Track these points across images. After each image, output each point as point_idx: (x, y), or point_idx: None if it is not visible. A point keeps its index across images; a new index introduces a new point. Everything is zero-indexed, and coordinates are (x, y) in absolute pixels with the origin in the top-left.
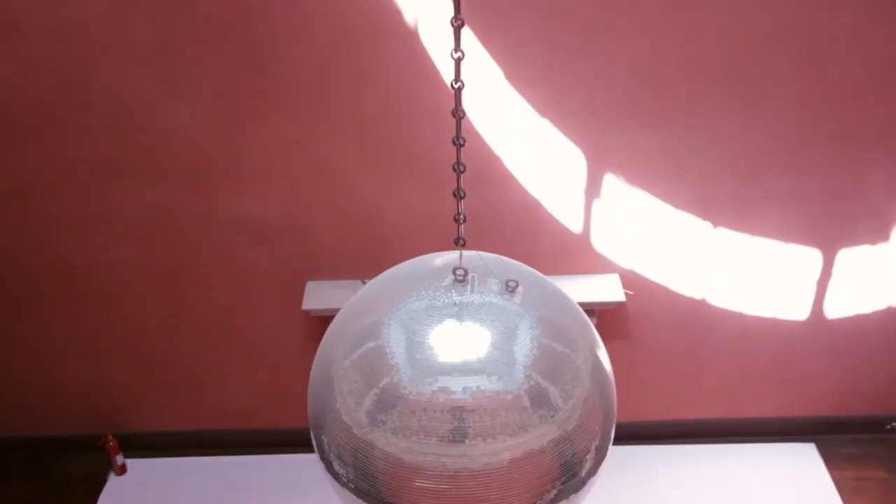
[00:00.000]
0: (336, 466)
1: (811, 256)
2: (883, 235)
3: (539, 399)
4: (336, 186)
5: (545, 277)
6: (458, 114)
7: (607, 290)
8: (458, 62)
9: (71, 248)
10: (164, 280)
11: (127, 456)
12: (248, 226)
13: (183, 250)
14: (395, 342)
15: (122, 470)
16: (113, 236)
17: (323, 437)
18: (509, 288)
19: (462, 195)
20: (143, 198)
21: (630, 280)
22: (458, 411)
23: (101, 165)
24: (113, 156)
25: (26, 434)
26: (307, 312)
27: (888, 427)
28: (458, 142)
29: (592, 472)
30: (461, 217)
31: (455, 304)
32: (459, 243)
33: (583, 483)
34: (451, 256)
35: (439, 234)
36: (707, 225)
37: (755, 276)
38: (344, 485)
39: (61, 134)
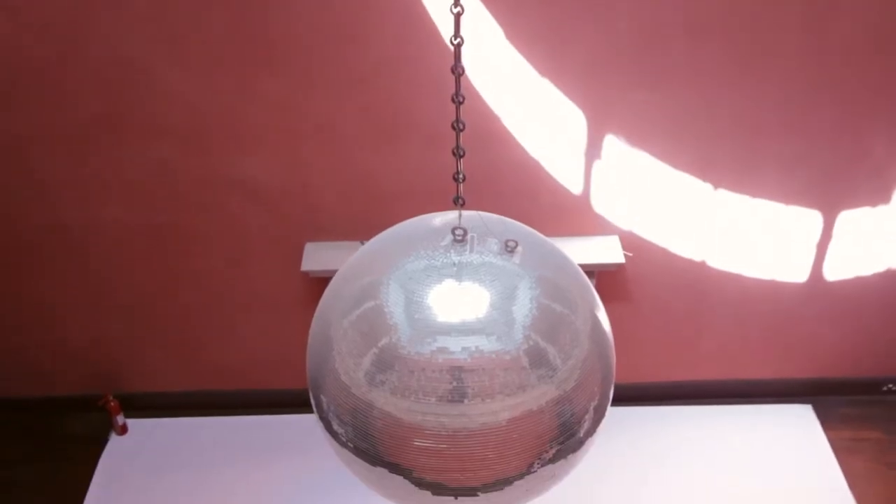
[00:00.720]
0: (335, 426)
1: (812, 218)
2: (884, 197)
3: (538, 359)
4: (334, 146)
5: (545, 238)
6: (457, 70)
7: (606, 251)
8: (457, 17)
9: (68, 208)
10: (163, 241)
11: (127, 416)
12: (246, 186)
13: (181, 211)
14: (393, 302)
15: (123, 430)
16: (110, 196)
17: (322, 396)
18: (509, 248)
19: (461, 154)
20: (141, 158)
21: (629, 242)
22: (457, 371)
23: (97, 125)
24: (109, 115)
25: (27, 394)
26: (306, 273)
27: (885, 388)
28: (458, 99)
29: (591, 432)
30: (460, 176)
31: (454, 264)
32: (458, 203)
33: (581, 443)
34: (450, 216)
35: (439, 194)
36: (708, 186)
37: (755, 238)
38: (343, 444)
39: (57, 93)
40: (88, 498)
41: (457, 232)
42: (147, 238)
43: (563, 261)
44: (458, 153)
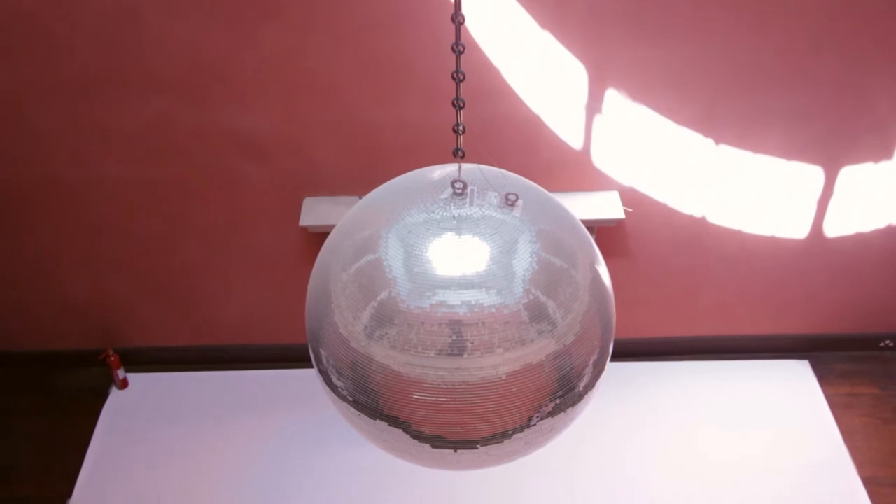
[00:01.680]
0: (334, 379)
1: (813, 174)
2: (886, 153)
3: (538, 313)
4: (332, 100)
5: (545, 191)
6: (457, 19)
7: (606, 207)
8: None
9: (65, 162)
10: (160, 195)
11: (128, 371)
12: (243, 140)
13: (178, 165)
14: (392, 256)
15: (123, 384)
16: (108, 150)
17: (321, 350)
18: (509, 201)
19: (461, 105)
20: (137, 111)
21: (630, 197)
22: (457, 325)
23: (93, 78)
24: (104, 67)
25: (28, 348)
26: (305, 229)
27: (882, 345)
28: (458, 49)
29: (590, 386)
30: (460, 128)
31: (454, 217)
32: (458, 155)
33: (580, 397)
34: (449, 169)
35: (438, 149)
36: (709, 142)
37: (756, 194)
38: (342, 398)
39: (53, 45)
40: (90, 451)
41: (456, 185)
42: (145, 192)
43: (564, 214)
44: (457, 104)
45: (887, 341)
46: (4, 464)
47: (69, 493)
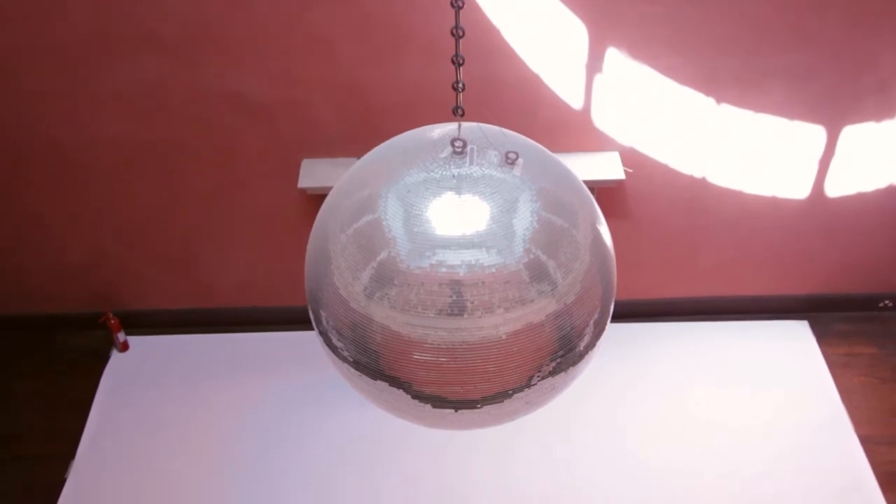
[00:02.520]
0: (334, 340)
1: (815, 134)
2: (889, 112)
3: (538, 273)
4: (329, 59)
5: (546, 150)
6: None
7: (607, 167)
8: None
9: (60, 125)
10: (158, 158)
11: (128, 333)
12: (240, 101)
13: (175, 127)
14: (392, 216)
15: (124, 347)
16: (103, 113)
17: (321, 311)
18: (509, 160)
19: (461, 62)
20: (130, 72)
21: (630, 158)
22: (457, 285)
23: (86, 39)
24: (97, 28)
25: (27, 312)
26: (303, 190)
27: (881, 305)
28: (457, 4)
29: (591, 345)
30: (460, 85)
31: (453, 176)
32: (458, 113)
33: (581, 356)
34: (449, 128)
35: (438, 110)
36: (710, 101)
37: (757, 154)
38: (343, 359)
39: (45, 7)
40: (93, 413)
41: (456, 143)
42: (142, 155)
43: (565, 173)
44: (457, 61)
45: (886, 301)
46: (7, 426)
47: (72, 455)
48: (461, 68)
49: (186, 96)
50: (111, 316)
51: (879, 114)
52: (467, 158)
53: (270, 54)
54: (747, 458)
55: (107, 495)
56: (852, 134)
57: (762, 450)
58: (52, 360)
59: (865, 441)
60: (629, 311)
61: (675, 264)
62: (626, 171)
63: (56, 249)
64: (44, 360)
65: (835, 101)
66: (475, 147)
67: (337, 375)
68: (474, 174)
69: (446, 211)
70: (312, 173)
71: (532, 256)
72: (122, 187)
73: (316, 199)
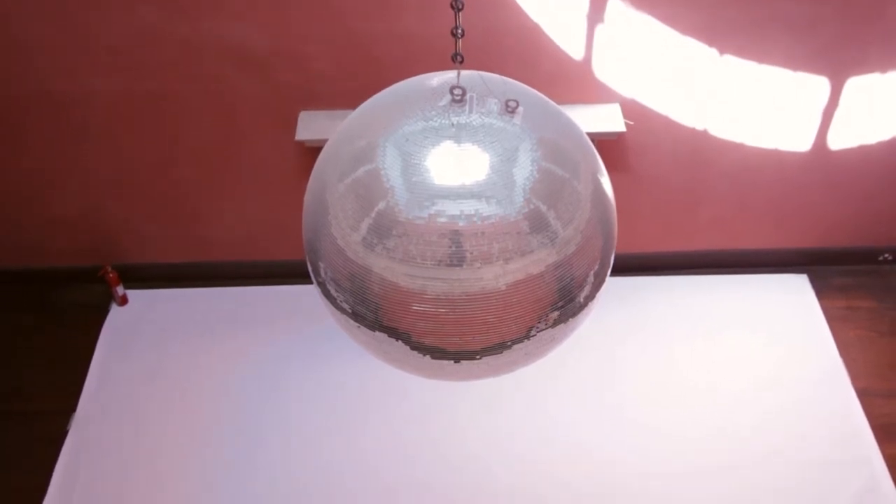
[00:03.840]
0: (333, 292)
1: (818, 85)
2: (894, 63)
3: (538, 223)
4: (327, 9)
5: (547, 99)
6: None
7: (607, 119)
8: None
9: (54, 77)
10: (152, 109)
11: (127, 287)
12: (236, 52)
13: (168, 78)
14: (390, 165)
15: (123, 301)
16: (95, 64)
17: (319, 262)
18: (509, 108)
19: (460, 6)
20: (122, 22)
21: (631, 110)
22: (456, 235)
23: None
24: None
25: (26, 266)
26: (301, 143)
27: (881, 258)
28: None
29: (591, 297)
30: (459, 31)
31: (453, 125)
32: (457, 60)
33: (581, 308)
34: (448, 76)
35: (437, 60)
36: (713, 52)
37: (759, 106)
38: (341, 310)
39: None
40: (93, 366)
41: (455, 91)
42: (137, 107)
43: (566, 122)
44: (456, 6)
45: (886, 255)
46: (8, 380)
47: (73, 408)
48: (460, 14)
49: (179, 47)
50: (110, 270)
51: (884, 65)
52: (467, 107)
53: (267, 5)
54: (744, 411)
55: (108, 447)
56: (857, 86)
57: (759, 403)
58: (51, 315)
59: (862, 394)
60: (628, 265)
61: (674, 218)
62: (626, 124)
63: (53, 203)
64: (43, 314)
65: (840, 53)
66: (474, 95)
67: (336, 328)
68: (474, 123)
69: (445, 160)
70: (310, 126)
71: (532, 207)
72: (118, 140)
73: (314, 151)
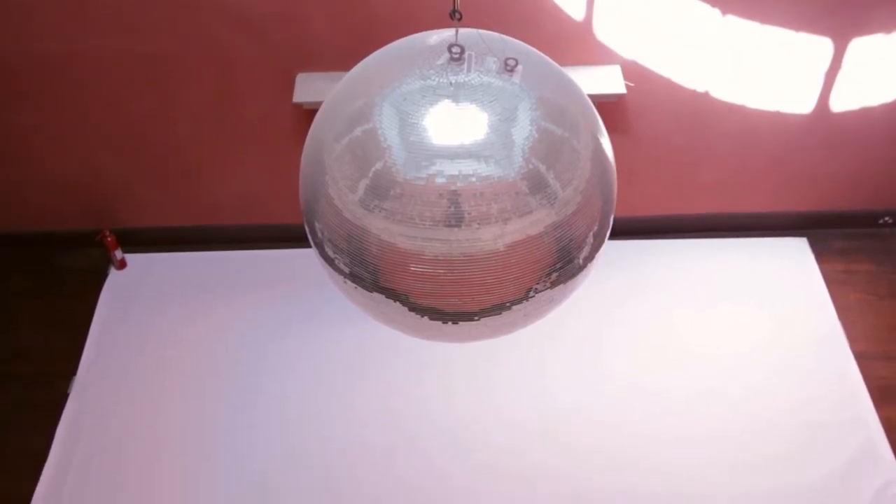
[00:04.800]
0: (330, 253)
1: (822, 46)
2: None
3: (537, 184)
4: None
5: (547, 57)
6: None
7: (607, 81)
8: None
9: (51, 37)
10: (149, 71)
11: (125, 251)
12: (233, 13)
13: (164, 39)
14: (388, 125)
15: (121, 264)
16: (93, 25)
17: (316, 223)
18: (508, 67)
19: None
20: None
21: (631, 71)
22: (454, 196)
23: None
24: None
25: (23, 229)
26: (299, 105)
27: (881, 221)
28: None
29: (590, 258)
30: None
31: (451, 83)
32: (455, 17)
33: (580, 269)
34: (446, 34)
35: (435, 17)
36: (715, 12)
37: (762, 67)
38: (339, 272)
39: None
40: (92, 330)
41: (454, 50)
42: (132, 68)
43: (566, 81)
44: None
45: (887, 218)
46: (8, 344)
47: (74, 371)
48: None
49: (179, 8)
50: (108, 234)
51: (888, 26)
52: (465, 65)
53: None
54: (742, 374)
55: (109, 409)
56: (860, 46)
57: (757, 365)
58: (50, 278)
59: (860, 357)
60: (627, 228)
61: (674, 181)
62: (627, 86)
63: (50, 166)
64: (42, 277)
65: (843, 13)
66: (473, 54)
67: (334, 291)
68: (472, 82)
69: (443, 120)
70: (307, 88)
71: (531, 167)
72: (114, 102)
73: (311, 114)
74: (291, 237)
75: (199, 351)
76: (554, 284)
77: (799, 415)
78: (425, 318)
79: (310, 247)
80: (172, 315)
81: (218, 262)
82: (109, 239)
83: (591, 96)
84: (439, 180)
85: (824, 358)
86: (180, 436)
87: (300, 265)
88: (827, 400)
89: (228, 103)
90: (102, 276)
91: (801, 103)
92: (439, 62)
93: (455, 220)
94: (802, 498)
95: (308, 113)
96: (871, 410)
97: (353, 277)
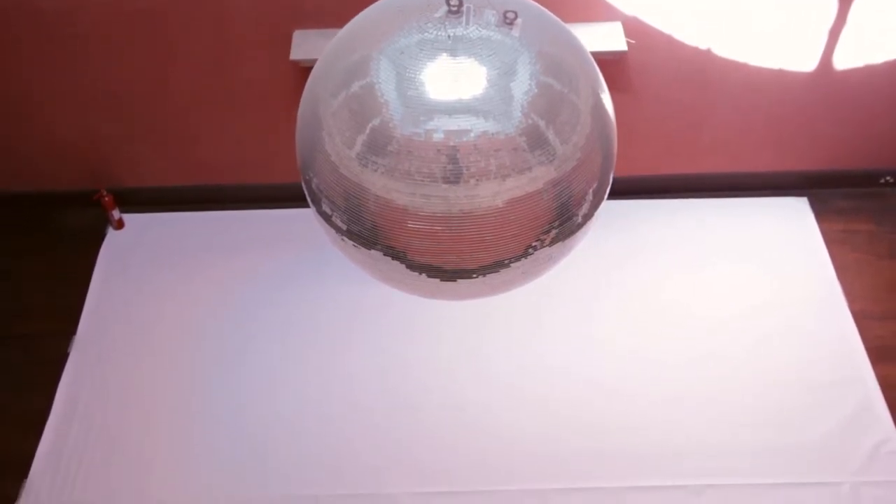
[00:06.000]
0: (328, 210)
1: (826, 2)
2: None
3: (536, 140)
4: None
5: (546, 10)
6: None
7: (608, 39)
8: None
9: None
10: (145, 28)
11: (123, 211)
12: None
13: None
14: (385, 79)
15: (119, 224)
16: None
17: (313, 180)
18: (507, 20)
19: None
20: None
21: (633, 28)
22: (452, 151)
23: None
24: None
25: (20, 189)
26: (296, 63)
27: (882, 181)
28: None
29: (589, 215)
30: None
31: (449, 37)
32: None
33: (579, 226)
34: None
35: None
36: None
37: (765, 24)
38: (337, 229)
39: None
40: (91, 289)
41: (452, 2)
42: (128, 25)
43: (566, 35)
44: None
45: (888, 177)
46: (7, 303)
47: (74, 331)
48: None
49: None
50: (105, 193)
51: None
52: (463, 18)
53: None
54: (741, 333)
55: (108, 367)
56: (866, 2)
57: (756, 325)
58: (49, 238)
59: (858, 316)
60: (627, 188)
61: (675, 140)
62: (628, 43)
63: (46, 125)
64: (41, 237)
65: None
66: (471, 6)
67: (332, 249)
68: (471, 35)
69: (441, 74)
70: (305, 45)
71: (530, 122)
72: (108, 59)
73: (309, 72)
74: (288, 197)
75: (197, 310)
76: (553, 242)
77: (797, 374)
78: (423, 275)
79: (307, 206)
80: (171, 274)
81: (216, 222)
82: (107, 199)
83: (592, 54)
84: (437, 136)
85: (823, 318)
86: (179, 393)
87: (297, 225)
88: (825, 359)
89: (225, 61)
90: (100, 236)
91: (805, 61)
92: (437, 15)
93: (453, 176)
94: (799, 456)
95: (305, 71)
96: (869, 369)
97: (351, 234)
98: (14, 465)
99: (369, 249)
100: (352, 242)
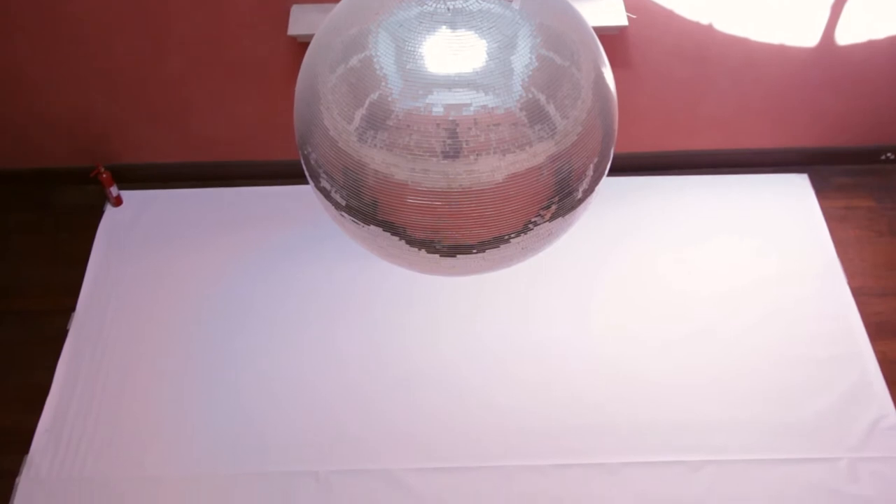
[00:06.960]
0: (326, 186)
1: None
2: None
3: (537, 114)
4: None
5: None
6: None
7: (608, 13)
8: None
9: None
10: (141, 4)
11: (121, 188)
12: None
13: None
14: (383, 52)
15: (117, 201)
16: None
17: (311, 155)
18: None
19: None
20: None
21: (633, 2)
22: (452, 126)
23: None
24: None
25: (17, 166)
26: (294, 38)
27: (883, 157)
28: None
29: (590, 190)
30: None
31: (448, 9)
32: None
33: (579, 202)
34: None
35: None
36: None
37: None
38: (335, 204)
39: None
40: (90, 266)
41: None
42: (123, 1)
43: (567, 8)
44: None
45: (888, 154)
46: (6, 280)
47: (73, 307)
48: None
49: None
50: (102, 170)
51: None
52: None
53: None
54: (741, 309)
55: (108, 345)
56: None
57: (755, 302)
58: (46, 216)
59: (857, 293)
60: (627, 165)
61: (675, 115)
62: (628, 17)
63: (43, 102)
64: (40, 214)
65: None
66: None
67: (332, 227)
68: (470, 7)
69: (440, 47)
70: (302, 20)
71: (531, 96)
72: (104, 34)
73: (307, 47)
74: (286, 173)
75: (195, 286)
76: (553, 217)
77: (796, 350)
78: (422, 251)
79: (305, 183)
80: (169, 251)
81: (214, 198)
82: (104, 175)
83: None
84: (436, 110)
85: (822, 294)
86: (177, 369)
87: (294, 202)
88: (824, 336)
89: (223, 36)
90: (99, 213)
91: (807, 36)
92: None
93: (453, 151)
94: (797, 432)
95: (303, 46)
96: (868, 346)
97: (350, 210)
98: (15, 440)
99: (368, 225)
100: (350, 218)
